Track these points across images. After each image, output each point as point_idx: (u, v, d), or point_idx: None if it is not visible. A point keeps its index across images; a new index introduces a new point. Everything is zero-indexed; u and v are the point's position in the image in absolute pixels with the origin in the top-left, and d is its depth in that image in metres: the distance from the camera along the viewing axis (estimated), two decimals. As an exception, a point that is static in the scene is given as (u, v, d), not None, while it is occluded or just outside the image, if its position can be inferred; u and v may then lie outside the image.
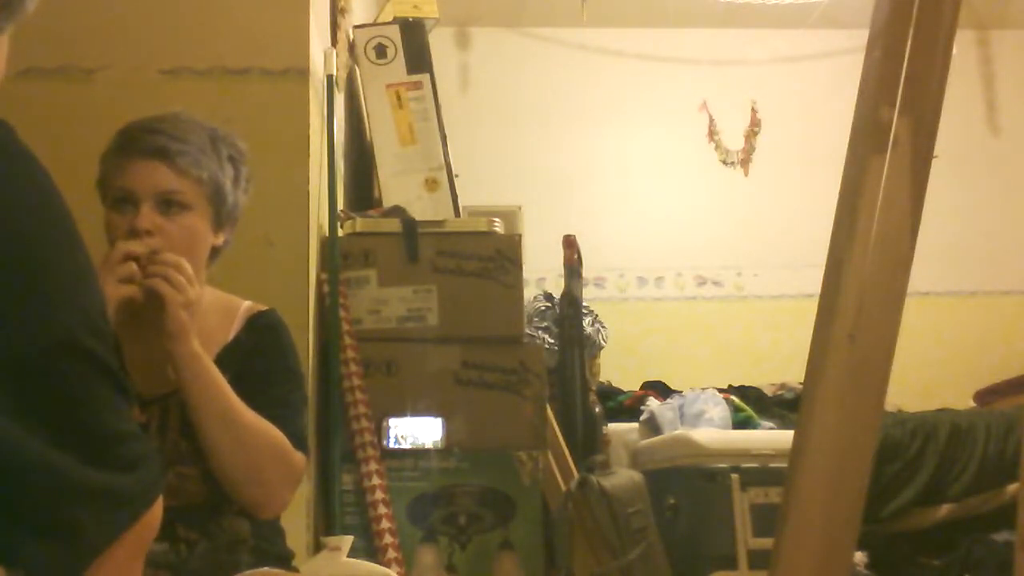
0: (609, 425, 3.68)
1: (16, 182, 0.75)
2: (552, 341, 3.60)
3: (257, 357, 1.59)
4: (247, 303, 1.66)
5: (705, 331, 4.86)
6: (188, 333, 1.47)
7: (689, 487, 3.32)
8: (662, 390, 4.17)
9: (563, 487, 2.83)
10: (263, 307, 1.66)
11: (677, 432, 3.58)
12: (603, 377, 4.20)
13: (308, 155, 2.40)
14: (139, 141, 1.51)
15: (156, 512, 0.82)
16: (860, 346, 1.26)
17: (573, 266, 3.52)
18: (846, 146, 1.40)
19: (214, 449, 1.47)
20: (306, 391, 1.71)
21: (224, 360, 1.55)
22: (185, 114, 1.57)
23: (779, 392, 4.18)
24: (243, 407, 1.49)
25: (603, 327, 4.14)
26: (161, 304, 1.47)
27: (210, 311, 1.60)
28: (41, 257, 0.74)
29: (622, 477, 2.95)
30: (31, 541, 0.71)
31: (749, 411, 3.86)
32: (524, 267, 2.69)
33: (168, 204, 1.50)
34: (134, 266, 1.46)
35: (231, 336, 1.60)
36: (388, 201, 2.87)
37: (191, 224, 1.52)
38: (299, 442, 1.55)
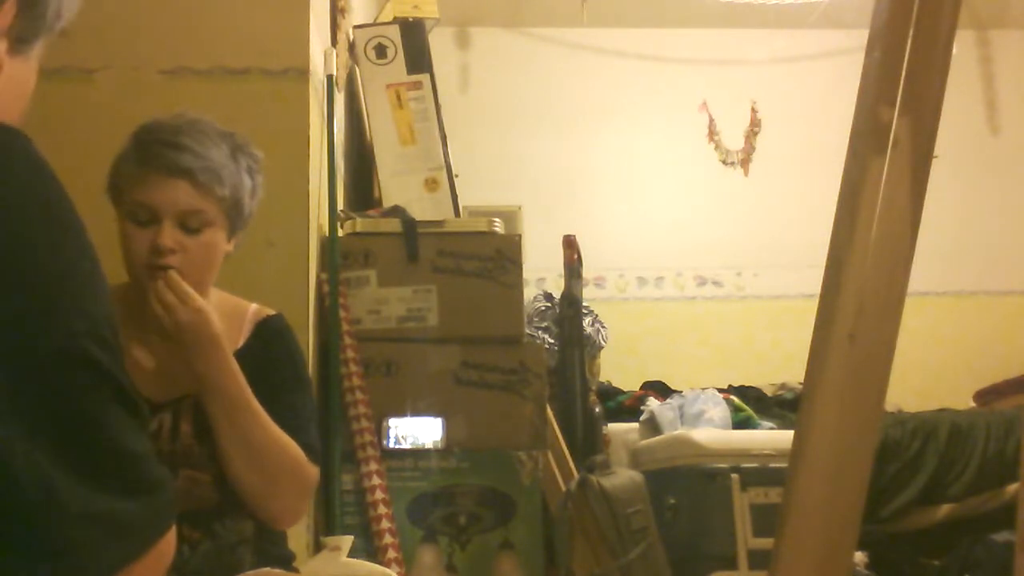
0: (609, 425, 3.68)
1: (25, 190, 0.74)
2: (552, 341, 3.60)
3: (268, 366, 1.57)
4: (254, 306, 1.65)
5: (705, 331, 4.86)
6: (219, 344, 1.48)
7: (689, 487, 3.32)
8: (662, 390, 4.18)
9: (563, 487, 2.83)
10: (270, 311, 1.65)
11: (677, 432, 3.58)
12: (603, 377, 4.20)
13: (308, 155, 2.40)
14: (162, 157, 1.49)
15: (170, 540, 0.78)
16: (860, 346, 1.26)
17: (573, 266, 3.52)
18: (846, 146, 1.40)
19: (234, 465, 1.47)
20: (314, 398, 1.70)
21: None
22: (204, 122, 1.55)
23: (779, 392, 4.19)
24: (267, 421, 1.49)
25: (603, 327, 4.15)
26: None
27: (218, 315, 1.59)
28: (45, 265, 0.73)
29: (622, 477, 2.95)
30: (26, 565, 0.68)
31: (749, 411, 3.86)
32: (524, 267, 2.69)
33: (188, 221, 1.50)
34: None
35: (240, 343, 1.59)
36: (388, 201, 2.87)
37: (211, 240, 1.52)
38: (313, 453, 1.55)
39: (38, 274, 0.72)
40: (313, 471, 1.54)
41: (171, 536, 0.78)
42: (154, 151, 1.49)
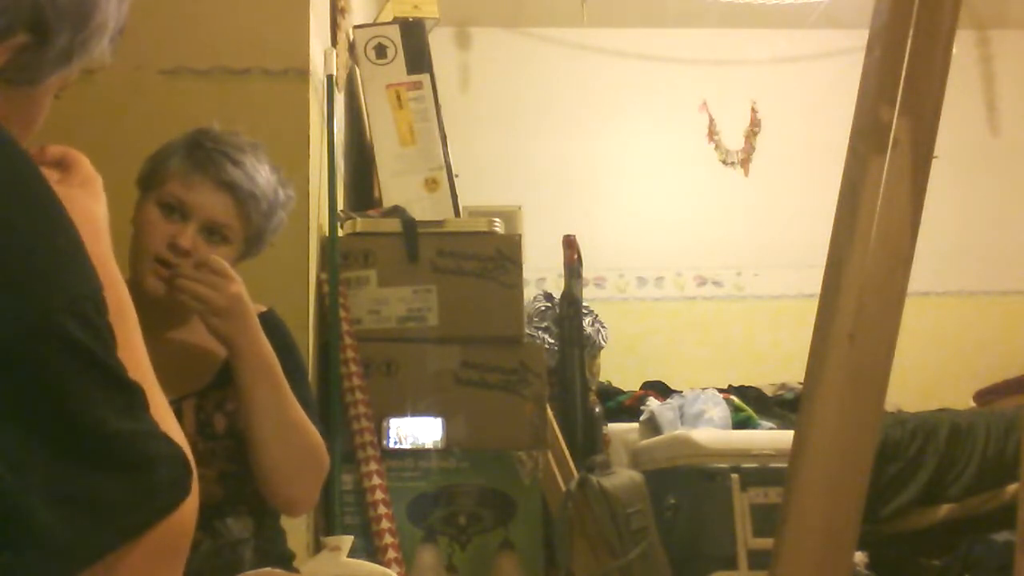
0: (609, 425, 3.68)
1: None
2: (552, 341, 3.60)
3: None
4: None
5: (705, 331, 4.86)
6: (255, 319, 1.49)
7: (689, 487, 3.32)
8: (662, 390, 4.18)
9: (563, 487, 2.83)
10: (261, 307, 1.66)
11: (677, 432, 3.58)
12: (603, 377, 4.20)
13: (308, 155, 2.40)
14: (218, 165, 1.51)
15: (182, 517, 0.74)
16: (860, 346, 1.26)
17: (573, 266, 3.52)
18: (846, 146, 1.40)
19: (263, 441, 1.48)
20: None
21: None
22: (262, 150, 1.58)
23: (779, 392, 4.18)
24: (295, 400, 1.51)
25: (603, 327, 4.14)
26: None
27: None
28: (11, 241, 0.69)
29: (622, 477, 2.95)
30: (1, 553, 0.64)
31: (749, 411, 3.86)
32: (524, 267, 2.70)
33: (213, 232, 1.52)
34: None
35: None
36: (388, 201, 2.87)
37: (223, 256, 1.53)
38: (324, 441, 1.58)
39: (3, 251, 0.68)
40: (328, 458, 1.57)
41: (182, 517, 0.74)
42: (212, 158, 1.52)
